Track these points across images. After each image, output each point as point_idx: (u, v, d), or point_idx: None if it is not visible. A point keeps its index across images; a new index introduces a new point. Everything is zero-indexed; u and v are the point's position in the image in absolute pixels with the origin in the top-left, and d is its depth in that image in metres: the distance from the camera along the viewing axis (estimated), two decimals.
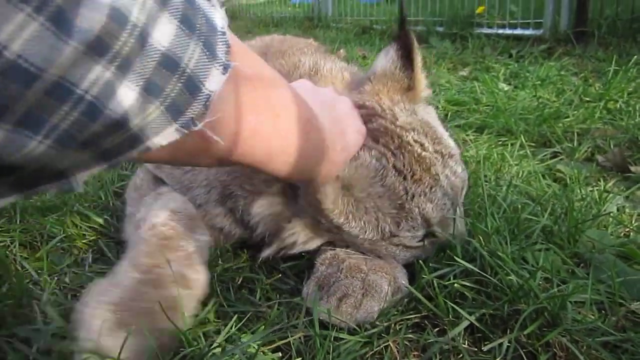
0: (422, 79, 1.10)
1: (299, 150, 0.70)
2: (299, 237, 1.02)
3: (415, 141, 0.99)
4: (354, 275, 0.97)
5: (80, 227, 1.28)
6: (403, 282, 0.99)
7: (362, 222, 0.97)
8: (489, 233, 1.00)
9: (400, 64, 1.07)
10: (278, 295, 1.04)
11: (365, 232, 0.98)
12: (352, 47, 4.27)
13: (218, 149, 0.58)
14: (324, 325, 0.90)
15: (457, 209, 1.05)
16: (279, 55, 1.37)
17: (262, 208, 1.04)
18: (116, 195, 1.46)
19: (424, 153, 0.99)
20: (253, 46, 1.60)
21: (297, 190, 0.99)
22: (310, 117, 0.75)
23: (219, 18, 0.52)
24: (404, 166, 0.96)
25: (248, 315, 0.95)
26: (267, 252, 1.05)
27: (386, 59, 1.09)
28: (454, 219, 1.02)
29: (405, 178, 0.96)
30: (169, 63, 0.46)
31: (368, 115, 1.00)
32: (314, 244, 1.05)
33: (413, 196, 0.97)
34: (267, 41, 1.66)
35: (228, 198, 1.11)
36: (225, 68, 0.52)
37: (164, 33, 0.45)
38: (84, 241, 1.25)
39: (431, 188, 0.98)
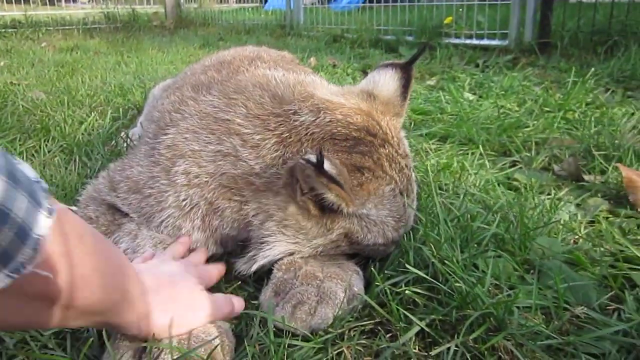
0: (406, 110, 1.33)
1: (99, 278, 0.70)
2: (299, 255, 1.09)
3: (407, 166, 1.17)
4: (309, 282, 1.00)
5: None
6: (357, 289, 1.02)
7: (374, 233, 1.10)
8: (440, 241, 1.04)
9: (400, 93, 1.27)
10: None
11: (376, 239, 1.10)
12: (322, 55, 4.31)
13: (54, 290, 0.61)
14: (280, 331, 0.92)
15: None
16: (232, 73, 1.38)
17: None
18: None
19: (411, 175, 1.18)
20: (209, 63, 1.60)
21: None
22: (120, 264, 0.79)
23: (29, 169, 0.58)
24: (404, 188, 1.14)
25: None
26: (258, 265, 1.08)
27: (391, 84, 1.27)
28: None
29: (404, 196, 1.14)
30: (1, 216, 0.51)
31: (382, 142, 1.13)
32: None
33: (405, 209, 1.14)
34: (226, 57, 1.61)
35: (214, 214, 1.13)
36: (50, 212, 0.57)
37: None
38: None
39: (413, 200, 1.19)
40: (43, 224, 0.56)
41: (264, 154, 1.08)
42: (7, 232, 0.51)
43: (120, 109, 2.55)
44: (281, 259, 1.08)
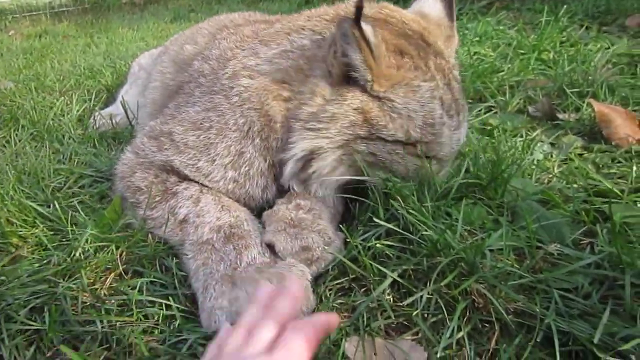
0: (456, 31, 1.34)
1: None
2: (326, 167, 1.11)
3: (456, 88, 1.16)
4: (321, 235, 1.05)
5: (14, 224, 1.26)
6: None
7: (396, 124, 1.07)
8: (407, 194, 1.03)
9: (446, 14, 1.31)
10: None
11: (396, 132, 1.07)
12: None
13: None
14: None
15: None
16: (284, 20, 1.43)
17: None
18: (54, 191, 1.44)
19: (459, 99, 1.16)
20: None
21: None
22: None
23: None
24: (447, 102, 1.12)
25: None
26: (288, 177, 1.16)
27: (436, 5, 1.32)
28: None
29: (444, 109, 1.11)
30: None
31: (435, 52, 1.15)
32: (335, 174, 1.12)
33: (444, 123, 1.11)
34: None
35: (269, 128, 1.16)
36: None
37: None
38: (20, 233, 1.22)
39: (456, 128, 1.14)
40: None
41: (318, 29, 1.18)
42: None
43: (88, 91, 2.51)
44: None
